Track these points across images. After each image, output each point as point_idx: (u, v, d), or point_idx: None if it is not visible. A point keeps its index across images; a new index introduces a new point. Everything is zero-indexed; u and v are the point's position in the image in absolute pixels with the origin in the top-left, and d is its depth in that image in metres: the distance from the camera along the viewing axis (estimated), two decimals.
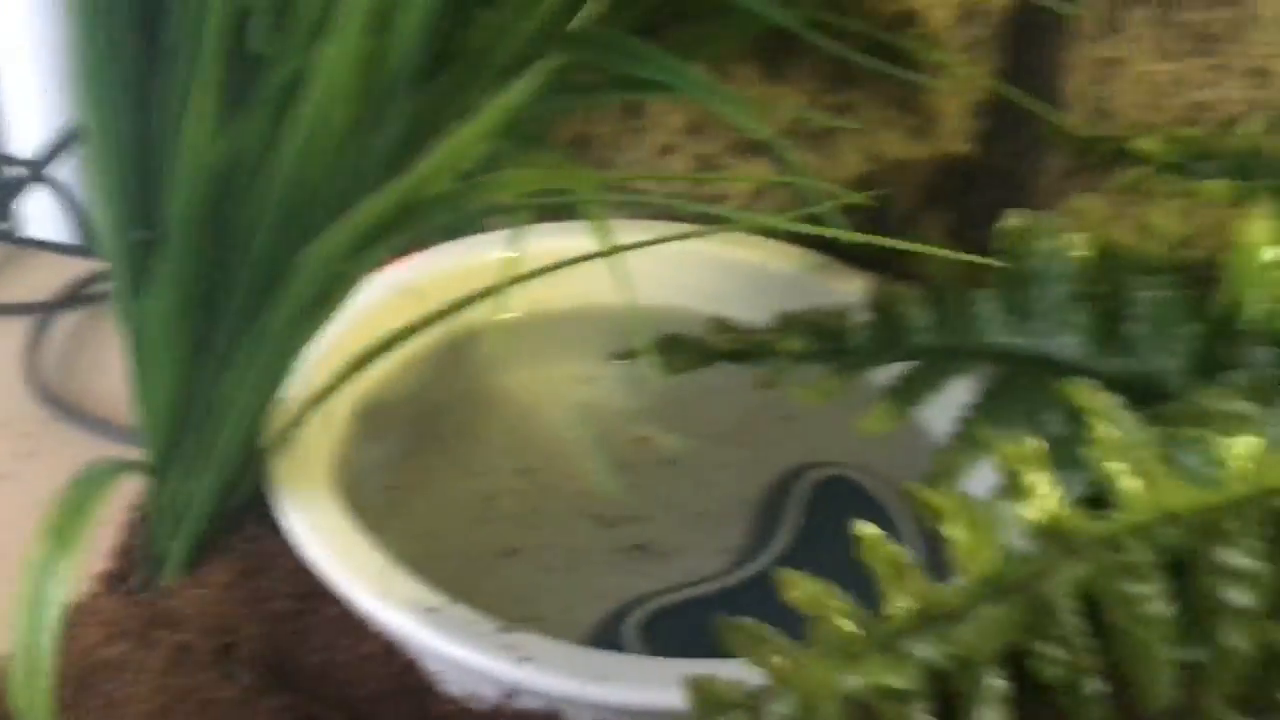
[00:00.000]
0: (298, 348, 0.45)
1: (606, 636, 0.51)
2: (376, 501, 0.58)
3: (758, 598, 0.53)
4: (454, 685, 0.46)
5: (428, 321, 0.49)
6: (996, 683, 0.35)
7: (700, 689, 0.37)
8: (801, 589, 0.37)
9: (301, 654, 0.46)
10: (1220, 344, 0.44)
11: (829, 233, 0.38)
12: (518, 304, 0.67)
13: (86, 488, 0.39)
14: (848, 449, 0.62)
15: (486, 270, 0.53)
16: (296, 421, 0.49)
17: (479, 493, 0.59)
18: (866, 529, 0.38)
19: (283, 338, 0.43)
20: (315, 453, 0.51)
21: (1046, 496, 0.38)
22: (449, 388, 0.65)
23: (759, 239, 0.67)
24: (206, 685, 0.43)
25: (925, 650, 0.36)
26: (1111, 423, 0.38)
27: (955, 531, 0.37)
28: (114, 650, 0.43)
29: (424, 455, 0.61)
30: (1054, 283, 0.47)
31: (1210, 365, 0.44)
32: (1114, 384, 0.42)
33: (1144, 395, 0.43)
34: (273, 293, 0.42)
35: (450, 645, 0.43)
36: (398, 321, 0.57)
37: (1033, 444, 0.38)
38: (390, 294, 0.61)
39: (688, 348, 0.51)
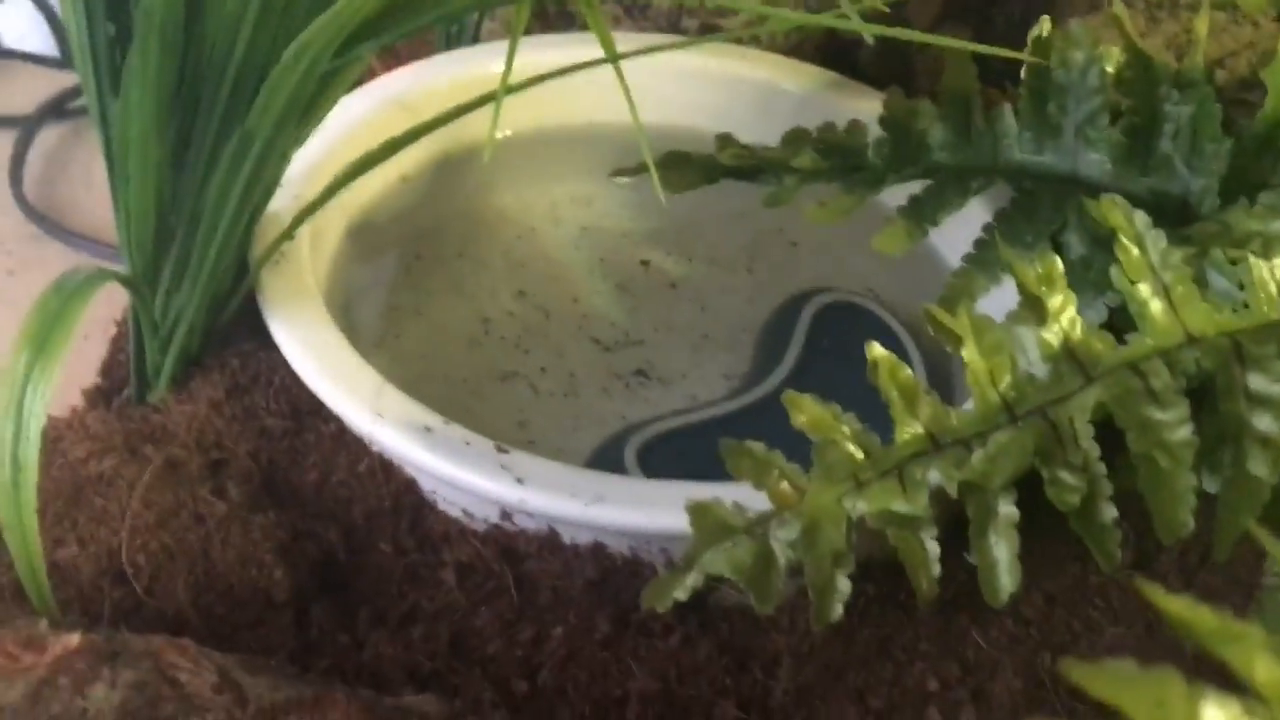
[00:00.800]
0: (284, 152, 0.43)
1: (606, 461, 0.50)
2: (373, 323, 0.57)
3: (760, 423, 0.52)
4: (451, 505, 0.45)
5: (419, 133, 0.46)
6: (1007, 509, 0.34)
7: (702, 514, 0.36)
8: (808, 412, 0.36)
9: (295, 472, 0.45)
10: (1256, 162, 0.42)
11: (847, 25, 0.35)
12: (516, 121, 0.65)
13: (65, 296, 0.37)
14: (855, 275, 0.60)
15: (481, 83, 0.50)
16: (287, 236, 0.47)
17: (476, 315, 0.58)
18: (879, 351, 0.36)
19: (267, 142, 0.40)
20: (307, 269, 0.49)
21: (1066, 319, 0.36)
22: (445, 208, 0.62)
23: (770, 55, 0.64)
24: (197, 500, 0.42)
25: (935, 477, 0.35)
26: (1140, 243, 0.37)
27: (971, 355, 0.36)
28: (103, 465, 0.42)
29: (420, 276, 0.59)
30: (1084, 96, 0.45)
31: (1245, 185, 0.42)
32: (1143, 204, 0.40)
33: (1174, 216, 0.41)
34: (255, 94, 0.39)
35: (446, 465, 0.42)
36: (388, 134, 0.55)
37: (1053, 264, 0.36)
38: (381, 106, 0.59)
39: (692, 165, 0.49)
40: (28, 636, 0.31)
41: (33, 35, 0.79)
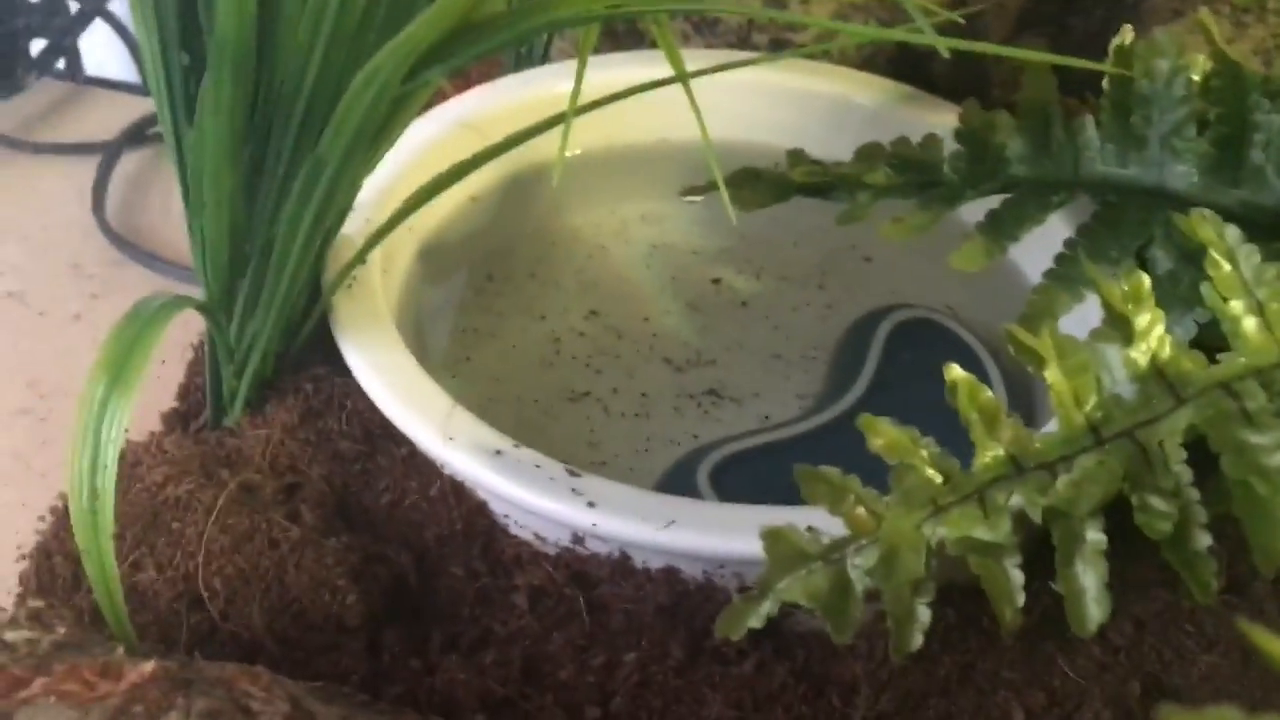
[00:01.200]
0: (355, 178, 0.43)
1: (678, 481, 0.50)
2: (444, 344, 0.57)
3: (835, 443, 0.51)
4: (523, 529, 0.45)
5: (487, 156, 0.46)
6: (1095, 535, 0.33)
7: (777, 540, 0.35)
8: (885, 436, 0.35)
9: (367, 495, 0.45)
10: None
11: (921, 40, 0.34)
12: (586, 140, 0.65)
13: (141, 322, 0.37)
14: (932, 291, 0.59)
15: (549, 104, 0.50)
16: (359, 260, 0.47)
17: (547, 335, 0.58)
18: (957, 372, 0.35)
19: (338, 168, 0.40)
20: (378, 293, 0.49)
21: (1154, 338, 0.35)
22: (515, 228, 0.62)
23: (841, 70, 0.63)
24: (271, 524, 0.42)
25: (1017, 502, 0.34)
26: (1231, 258, 0.35)
27: (1054, 376, 0.35)
28: (179, 489, 0.42)
29: (491, 297, 0.59)
30: (1170, 106, 0.43)
31: None
32: (1234, 217, 0.39)
33: (1268, 229, 0.40)
34: (326, 121, 0.39)
35: (517, 488, 0.42)
36: (457, 157, 0.55)
37: (1140, 280, 0.35)
38: (450, 129, 0.59)
39: (763, 182, 0.48)
40: (104, 664, 0.32)
41: (113, 62, 0.81)
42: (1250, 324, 0.34)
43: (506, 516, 0.45)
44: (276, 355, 0.47)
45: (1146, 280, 0.35)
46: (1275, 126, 0.42)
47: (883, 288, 0.60)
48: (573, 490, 0.42)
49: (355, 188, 0.45)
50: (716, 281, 0.61)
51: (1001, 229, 0.44)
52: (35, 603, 0.37)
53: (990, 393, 0.35)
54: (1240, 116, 0.42)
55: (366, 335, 0.47)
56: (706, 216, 0.64)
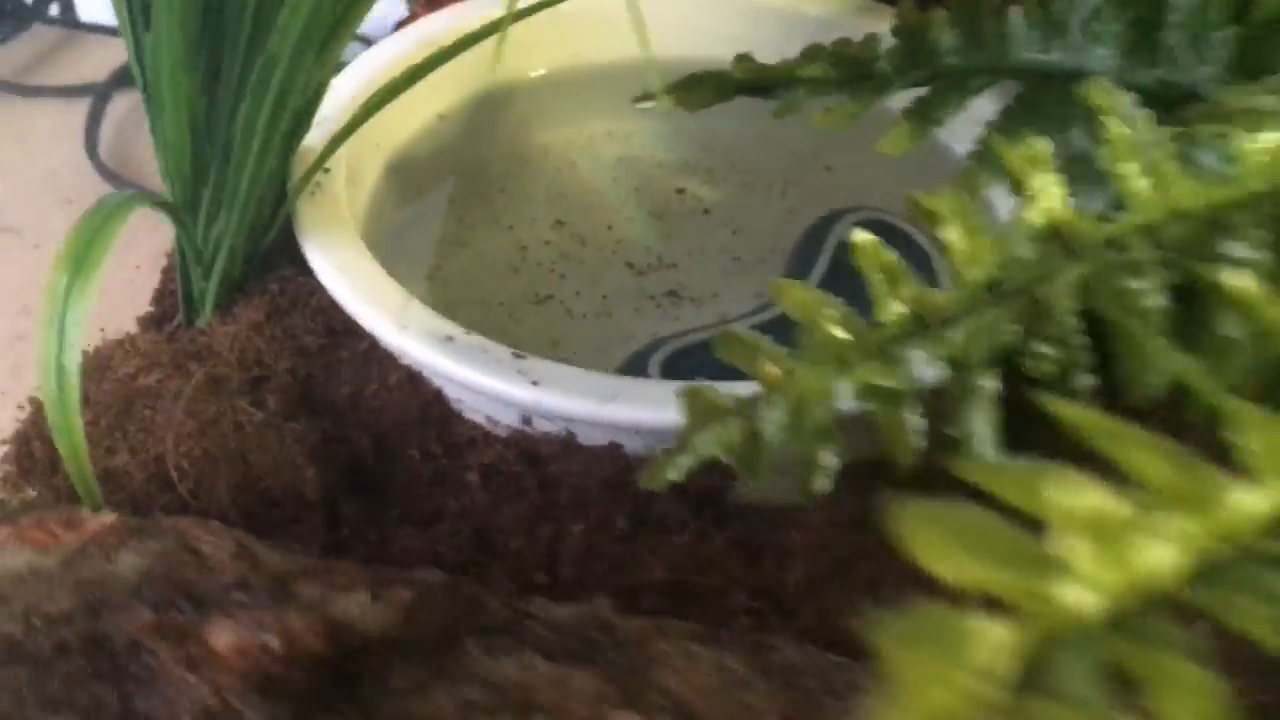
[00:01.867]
0: (310, 80, 0.45)
1: (632, 372, 0.52)
2: (416, 253, 0.59)
3: (782, 335, 0.53)
4: (475, 413, 0.47)
5: (439, 59, 0.48)
6: (988, 383, 0.35)
7: (695, 397, 0.37)
8: (793, 297, 0.37)
9: (330, 386, 0.48)
10: (1263, 47, 0.42)
11: None
12: (553, 59, 0.67)
13: (102, 217, 0.40)
14: (889, 196, 0.61)
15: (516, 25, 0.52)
16: (319, 165, 0.50)
17: (514, 244, 0.60)
18: (862, 235, 0.37)
19: (289, 68, 0.42)
20: (341, 199, 0.51)
21: (1052, 199, 0.36)
22: (485, 145, 0.64)
23: None
24: (237, 410, 0.44)
25: (919, 356, 0.36)
26: (1126, 122, 0.37)
27: (952, 235, 0.36)
28: (150, 379, 0.45)
29: (461, 210, 0.62)
30: None
31: (1249, 72, 0.42)
32: (1152, 95, 0.40)
33: (1182, 107, 0.41)
34: (278, 16, 0.42)
35: (465, 370, 0.44)
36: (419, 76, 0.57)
37: (1039, 146, 0.37)
38: (415, 47, 0.61)
39: (706, 83, 0.50)
40: (68, 518, 0.34)
41: (107, 9, 0.84)
42: (1143, 184, 0.36)
43: (460, 401, 0.47)
44: (245, 258, 0.49)
45: (1046, 146, 0.36)
46: (1186, 6, 0.43)
47: (843, 194, 0.62)
48: (518, 371, 0.44)
49: (315, 93, 0.48)
50: (680, 191, 0.63)
51: (925, 114, 0.46)
52: (9, 467, 0.39)
53: (892, 253, 0.37)
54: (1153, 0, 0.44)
55: (328, 237, 0.49)
56: (672, 130, 0.66)
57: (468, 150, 0.64)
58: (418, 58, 0.61)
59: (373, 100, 0.49)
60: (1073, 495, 0.21)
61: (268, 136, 0.44)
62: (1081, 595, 0.21)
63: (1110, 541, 0.21)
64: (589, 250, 0.60)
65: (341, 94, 0.57)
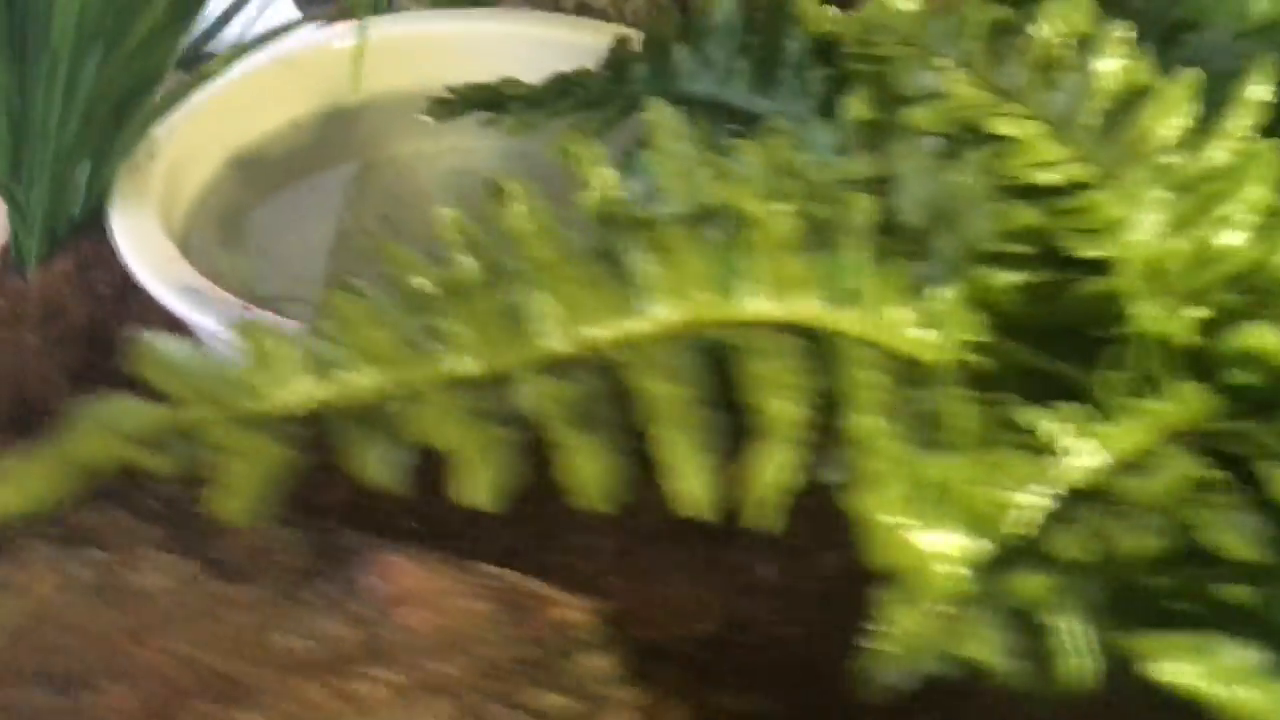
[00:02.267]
0: (104, 75, 0.56)
1: None
2: (249, 236, 0.70)
3: None
4: None
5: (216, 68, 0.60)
6: None
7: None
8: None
9: (114, 327, 0.59)
10: (839, 87, 0.50)
11: None
12: (405, 82, 0.77)
13: None
14: None
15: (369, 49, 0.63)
16: (132, 149, 0.61)
17: (339, 232, 0.70)
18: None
19: (72, 62, 0.54)
20: (155, 179, 0.63)
21: (603, 186, 0.46)
22: (335, 152, 0.75)
23: (581, 20, 0.76)
24: (20, 338, 0.56)
25: None
26: (672, 134, 0.46)
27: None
28: None
29: (300, 205, 0.73)
30: (727, 37, 0.54)
31: (833, 106, 0.50)
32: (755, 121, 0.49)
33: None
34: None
35: (196, 314, 0.55)
36: (272, 89, 0.69)
37: (594, 145, 0.46)
38: (271, 64, 0.72)
39: (451, 101, 0.60)
40: None
41: None
42: (671, 181, 0.45)
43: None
44: (69, 220, 0.61)
45: (601, 147, 0.46)
46: (794, 50, 0.52)
47: None
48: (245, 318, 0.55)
49: (133, 83, 0.59)
50: None
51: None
52: None
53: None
54: (774, 42, 0.52)
55: (127, 206, 0.60)
56: (509, 149, 0.76)
57: (318, 155, 0.75)
58: (270, 74, 0.73)
59: (168, 98, 0.60)
60: None
61: (63, 121, 0.56)
62: None
63: None
64: (402, 240, 0.70)
65: (196, 97, 0.68)
